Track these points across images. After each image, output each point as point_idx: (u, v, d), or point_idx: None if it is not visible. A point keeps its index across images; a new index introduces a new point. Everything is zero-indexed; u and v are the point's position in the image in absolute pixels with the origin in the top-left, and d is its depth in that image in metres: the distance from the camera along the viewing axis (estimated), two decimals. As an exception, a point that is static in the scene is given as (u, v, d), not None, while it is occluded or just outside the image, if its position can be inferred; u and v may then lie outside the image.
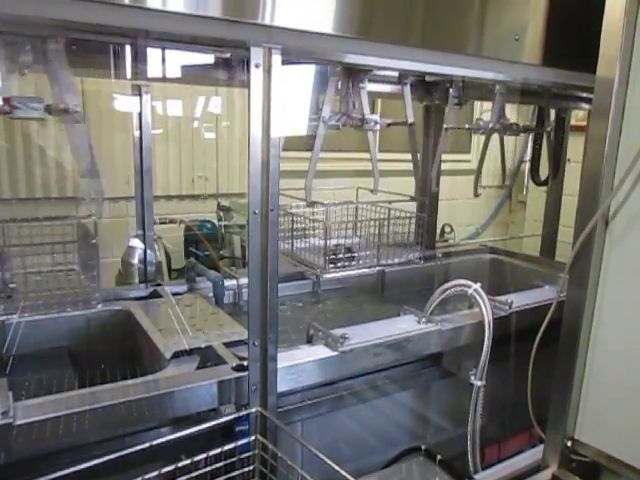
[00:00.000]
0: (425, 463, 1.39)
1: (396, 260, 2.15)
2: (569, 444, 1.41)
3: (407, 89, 2.12)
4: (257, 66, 1.26)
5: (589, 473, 1.40)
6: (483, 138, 2.49)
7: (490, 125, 2.54)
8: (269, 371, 1.45)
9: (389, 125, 2.11)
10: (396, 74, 2.09)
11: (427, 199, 2.70)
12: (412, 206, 2.97)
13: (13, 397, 1.23)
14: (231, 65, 1.69)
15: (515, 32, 1.58)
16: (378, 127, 2.03)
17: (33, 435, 1.19)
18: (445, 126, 2.72)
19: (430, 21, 1.45)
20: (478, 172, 2.56)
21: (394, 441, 1.79)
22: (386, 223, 2.15)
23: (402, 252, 2.16)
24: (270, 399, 1.46)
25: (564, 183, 2.88)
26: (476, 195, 2.57)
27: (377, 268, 2.52)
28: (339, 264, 2.06)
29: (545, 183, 2.88)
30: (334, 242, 2.10)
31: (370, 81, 1.97)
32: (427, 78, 2.19)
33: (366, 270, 2.48)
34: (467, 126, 2.72)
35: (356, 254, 2.11)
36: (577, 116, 3.41)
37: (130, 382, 1.40)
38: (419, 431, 1.96)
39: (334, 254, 2.04)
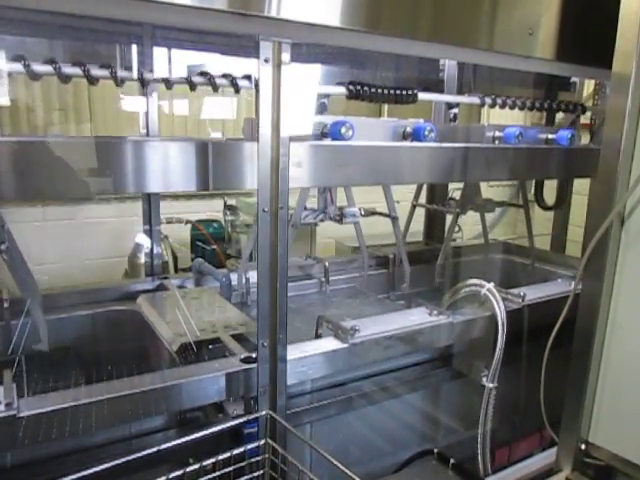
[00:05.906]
0: (438, 467, 1.37)
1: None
2: (583, 447, 1.39)
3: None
4: (267, 61, 1.23)
5: (603, 477, 1.38)
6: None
7: (458, 210, 2.48)
8: (279, 372, 1.42)
9: (372, 214, 2.09)
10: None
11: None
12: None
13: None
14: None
15: (529, 26, 1.55)
16: (359, 220, 2.00)
17: (38, 429, 1.15)
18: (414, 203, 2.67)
19: (440, 14, 1.43)
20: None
21: (404, 443, 1.77)
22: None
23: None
24: (279, 401, 1.43)
25: (574, 181, 2.83)
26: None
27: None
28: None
29: (551, 208, 2.76)
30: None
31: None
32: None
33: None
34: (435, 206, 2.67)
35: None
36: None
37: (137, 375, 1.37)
38: (428, 433, 1.94)
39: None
